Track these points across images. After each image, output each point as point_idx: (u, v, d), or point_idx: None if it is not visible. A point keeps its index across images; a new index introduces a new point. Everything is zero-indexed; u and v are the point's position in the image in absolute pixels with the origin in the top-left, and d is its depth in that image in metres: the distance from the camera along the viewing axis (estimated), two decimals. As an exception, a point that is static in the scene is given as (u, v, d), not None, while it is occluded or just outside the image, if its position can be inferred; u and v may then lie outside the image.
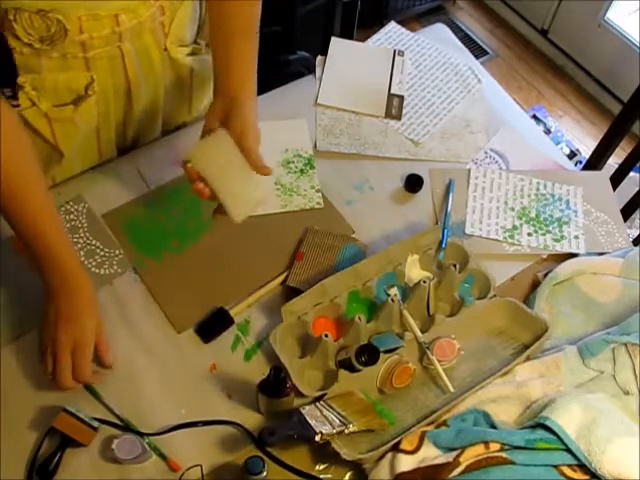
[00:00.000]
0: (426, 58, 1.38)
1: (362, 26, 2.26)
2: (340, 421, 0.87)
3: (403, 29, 1.42)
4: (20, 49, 0.89)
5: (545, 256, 1.12)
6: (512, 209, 1.17)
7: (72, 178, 1.13)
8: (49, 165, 1.09)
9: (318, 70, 1.32)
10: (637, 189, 1.39)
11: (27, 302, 1.00)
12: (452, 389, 0.94)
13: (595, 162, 1.51)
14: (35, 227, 0.89)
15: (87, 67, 0.96)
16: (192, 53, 1.11)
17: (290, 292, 1.03)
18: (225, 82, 0.96)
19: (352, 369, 0.92)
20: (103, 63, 0.97)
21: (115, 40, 0.94)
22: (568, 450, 0.85)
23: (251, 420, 0.93)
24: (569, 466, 0.85)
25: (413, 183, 1.18)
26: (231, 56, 0.96)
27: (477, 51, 2.79)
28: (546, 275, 1.08)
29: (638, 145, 1.38)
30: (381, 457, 0.87)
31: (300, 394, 0.90)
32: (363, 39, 1.40)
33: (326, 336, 0.92)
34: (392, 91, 1.31)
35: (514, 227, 1.14)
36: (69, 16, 0.87)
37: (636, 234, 1.46)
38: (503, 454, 0.84)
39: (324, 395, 0.92)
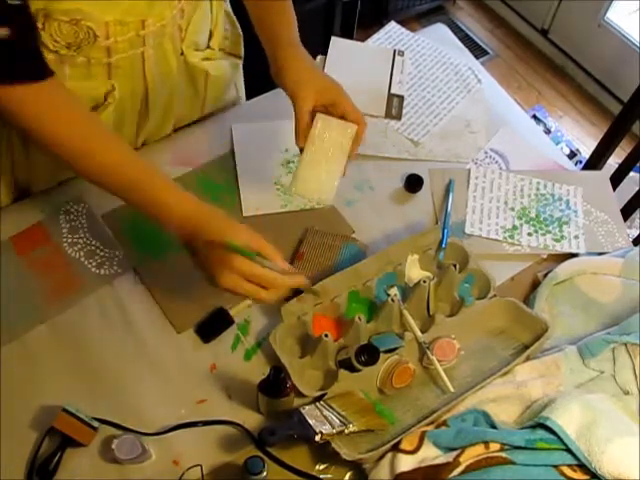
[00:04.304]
0: (426, 58, 1.38)
1: (362, 26, 2.26)
2: (340, 421, 0.87)
3: (403, 29, 1.42)
4: (45, 56, 0.86)
5: (545, 256, 1.12)
6: (512, 209, 1.17)
7: (72, 178, 1.13)
8: (59, 168, 1.09)
9: (318, 70, 1.32)
10: (637, 189, 1.39)
11: (27, 302, 1.00)
12: (452, 389, 0.94)
13: (595, 162, 1.51)
14: (131, 185, 0.86)
15: (109, 75, 0.96)
16: (207, 58, 1.11)
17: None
18: (281, 40, 0.99)
19: (352, 369, 0.92)
20: (124, 71, 0.96)
21: (139, 44, 0.94)
22: (568, 450, 0.85)
23: (251, 420, 0.93)
24: (569, 466, 0.85)
25: (413, 183, 1.18)
26: (277, 20, 1.00)
27: (477, 51, 2.79)
28: (546, 275, 1.08)
29: (638, 145, 1.38)
30: (381, 457, 0.87)
31: (300, 394, 0.90)
32: (363, 39, 1.40)
33: (326, 336, 0.92)
34: (392, 91, 1.31)
35: (514, 227, 1.14)
36: (99, 23, 0.86)
37: (636, 234, 1.46)
38: (503, 454, 0.84)
39: (324, 395, 0.92)
